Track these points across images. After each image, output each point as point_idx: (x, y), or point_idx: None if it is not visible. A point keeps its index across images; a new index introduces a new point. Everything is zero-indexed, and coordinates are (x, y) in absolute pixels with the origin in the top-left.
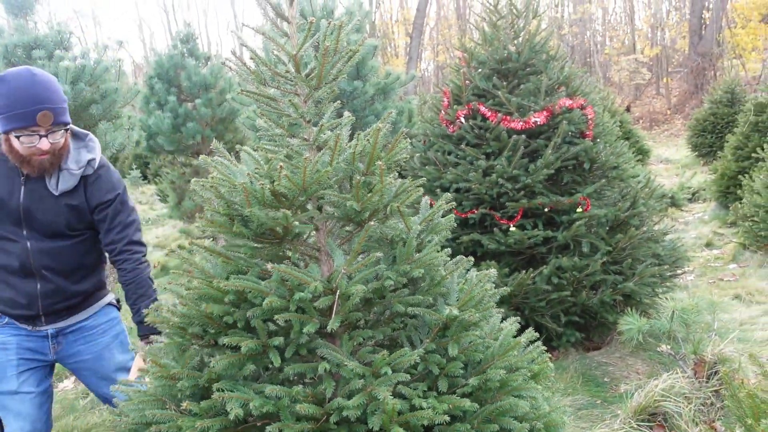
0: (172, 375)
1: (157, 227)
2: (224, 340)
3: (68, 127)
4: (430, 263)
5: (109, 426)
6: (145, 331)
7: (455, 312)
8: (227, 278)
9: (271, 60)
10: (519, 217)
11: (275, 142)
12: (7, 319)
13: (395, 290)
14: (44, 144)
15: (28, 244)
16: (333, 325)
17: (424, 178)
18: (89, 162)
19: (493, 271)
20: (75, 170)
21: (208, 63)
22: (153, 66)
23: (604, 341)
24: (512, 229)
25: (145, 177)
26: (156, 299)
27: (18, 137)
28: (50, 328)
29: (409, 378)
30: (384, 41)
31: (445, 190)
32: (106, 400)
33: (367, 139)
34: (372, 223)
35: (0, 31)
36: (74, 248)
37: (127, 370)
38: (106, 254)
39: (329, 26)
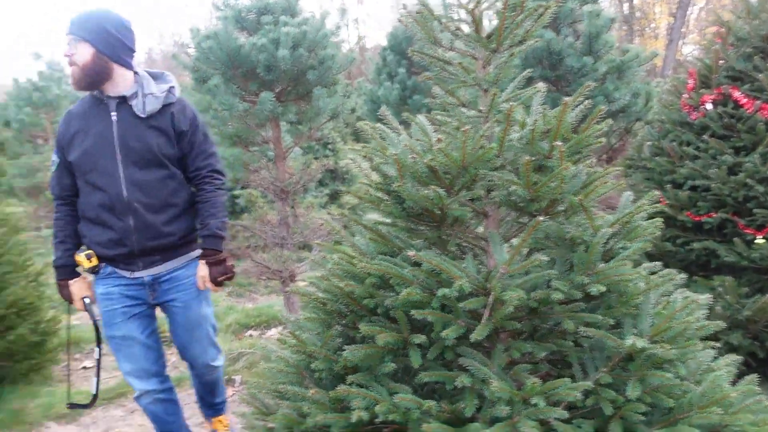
0: (309, 352)
1: None
2: (362, 328)
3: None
4: (617, 279)
5: (251, 390)
6: (209, 245)
7: (642, 343)
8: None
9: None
10: None
11: (448, 112)
12: (110, 269)
13: (568, 302)
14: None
15: (122, 175)
16: (479, 334)
17: (620, 167)
18: (170, 89)
19: (706, 297)
20: (158, 93)
21: None
22: (387, 38)
23: None
24: (759, 240)
25: None
26: (225, 221)
27: None
28: (146, 275)
29: (567, 415)
30: (642, 22)
31: (678, 186)
32: (184, 350)
33: (555, 116)
34: (541, 218)
35: None
36: (163, 183)
37: (211, 323)
38: (191, 184)
39: None
